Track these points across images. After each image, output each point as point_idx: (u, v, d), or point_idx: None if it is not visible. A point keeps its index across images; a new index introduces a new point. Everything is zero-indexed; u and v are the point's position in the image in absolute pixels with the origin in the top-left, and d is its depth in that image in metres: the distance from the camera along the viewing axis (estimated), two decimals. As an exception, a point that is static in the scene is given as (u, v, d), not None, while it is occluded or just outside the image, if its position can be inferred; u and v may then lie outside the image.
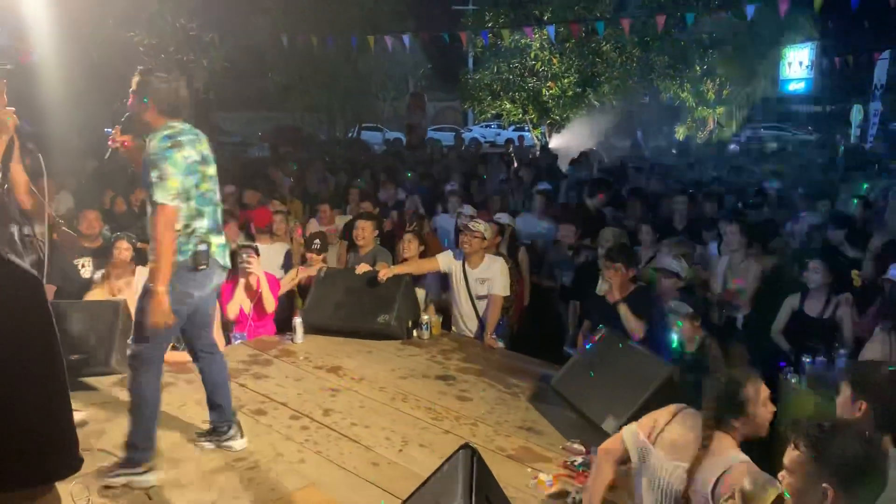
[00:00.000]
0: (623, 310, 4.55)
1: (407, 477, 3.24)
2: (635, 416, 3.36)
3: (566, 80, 18.36)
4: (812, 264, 4.85)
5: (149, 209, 3.24)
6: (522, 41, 17.86)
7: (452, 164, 12.81)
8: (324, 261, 5.92)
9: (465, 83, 20.51)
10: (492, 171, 11.75)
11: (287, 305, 5.79)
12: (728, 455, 2.47)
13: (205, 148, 3.40)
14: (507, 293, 5.36)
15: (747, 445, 2.58)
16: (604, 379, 3.88)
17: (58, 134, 9.30)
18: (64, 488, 3.15)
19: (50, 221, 3.55)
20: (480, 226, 5.28)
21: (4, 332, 2.84)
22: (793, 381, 4.29)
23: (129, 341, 3.33)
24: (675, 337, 4.28)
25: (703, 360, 4.19)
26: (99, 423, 3.76)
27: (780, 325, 5.01)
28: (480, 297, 5.32)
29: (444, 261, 5.45)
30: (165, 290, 3.15)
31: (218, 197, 3.48)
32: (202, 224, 3.31)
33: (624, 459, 2.79)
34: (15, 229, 3.20)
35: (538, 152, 16.69)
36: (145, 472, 3.21)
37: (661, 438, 2.65)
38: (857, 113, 21.00)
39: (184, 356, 3.99)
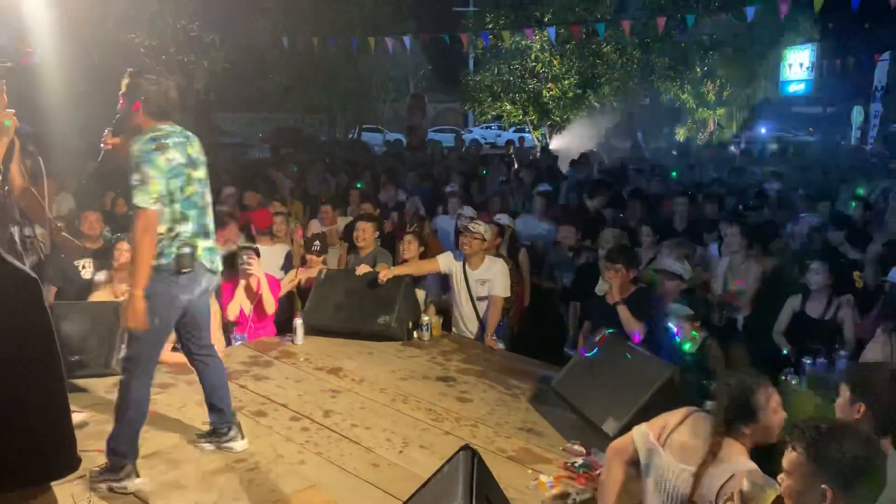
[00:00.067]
0: (623, 311, 4.55)
1: (407, 478, 3.23)
2: (635, 418, 3.37)
3: (567, 82, 18.36)
4: (813, 266, 4.85)
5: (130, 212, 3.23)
6: (523, 42, 17.85)
7: (453, 165, 12.81)
8: (324, 262, 5.92)
9: (465, 84, 20.49)
10: (492, 173, 11.76)
11: (287, 307, 5.78)
12: (736, 462, 2.45)
13: (195, 150, 3.38)
14: (508, 294, 5.36)
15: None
16: (604, 380, 3.88)
17: (58, 135, 9.32)
18: (65, 489, 3.16)
19: (50, 226, 3.55)
20: (480, 227, 5.28)
21: (4, 333, 2.85)
22: (793, 382, 4.28)
23: (122, 345, 3.32)
24: (678, 338, 4.27)
25: (704, 362, 4.20)
26: (99, 424, 3.76)
27: (781, 326, 5.01)
28: (481, 299, 5.32)
29: (445, 262, 5.45)
30: (142, 293, 3.14)
31: (207, 200, 3.45)
32: (187, 227, 3.28)
33: (634, 459, 2.78)
34: (15, 230, 3.20)
35: (538, 153, 16.69)
36: (123, 479, 3.19)
37: (670, 440, 2.65)
38: (857, 114, 21.01)
39: (184, 357, 3.99)
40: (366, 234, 5.92)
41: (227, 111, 24.62)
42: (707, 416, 2.64)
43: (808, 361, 4.36)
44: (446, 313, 5.59)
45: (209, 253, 3.42)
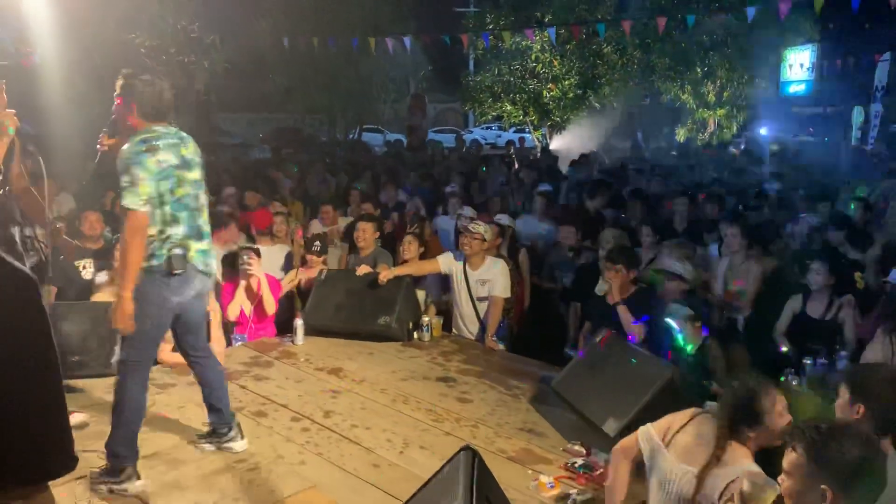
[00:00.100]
0: (622, 311, 4.55)
1: (408, 479, 3.23)
2: (636, 418, 3.37)
3: (567, 82, 18.38)
4: (814, 266, 4.85)
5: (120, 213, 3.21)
6: (523, 43, 17.87)
7: (453, 165, 12.82)
8: (324, 262, 5.93)
9: (465, 85, 20.52)
10: (492, 173, 11.77)
11: (288, 307, 5.79)
12: (740, 465, 2.45)
13: (189, 152, 3.35)
14: (508, 295, 5.36)
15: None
16: (605, 381, 3.88)
17: (59, 135, 9.32)
18: (67, 489, 3.17)
19: (50, 227, 3.55)
20: (480, 227, 5.28)
21: (5, 334, 2.85)
22: (793, 382, 4.28)
23: (116, 347, 3.31)
24: (681, 334, 4.27)
25: (704, 362, 4.19)
26: (99, 424, 3.75)
27: (782, 326, 5.01)
28: (481, 299, 5.32)
29: (445, 262, 5.46)
30: (130, 295, 3.13)
31: (201, 202, 3.41)
32: (178, 229, 3.25)
33: (639, 459, 2.78)
34: (16, 231, 3.20)
35: (539, 154, 16.70)
36: (124, 481, 3.18)
37: (674, 441, 2.65)
38: (857, 115, 20.98)
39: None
40: (366, 234, 5.92)
41: (227, 112, 24.65)
42: (713, 419, 2.63)
43: (809, 362, 4.37)
44: (447, 314, 5.59)
45: (202, 255, 3.38)
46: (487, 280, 5.27)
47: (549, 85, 18.44)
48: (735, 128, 21.90)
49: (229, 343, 5.14)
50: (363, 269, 5.43)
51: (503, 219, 6.34)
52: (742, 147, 19.47)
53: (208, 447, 3.58)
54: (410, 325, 5.32)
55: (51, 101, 9.80)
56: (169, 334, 3.59)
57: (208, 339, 4.94)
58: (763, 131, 22.99)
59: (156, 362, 4.43)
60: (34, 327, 2.91)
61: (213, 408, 3.61)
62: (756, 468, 2.44)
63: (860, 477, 1.97)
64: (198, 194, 3.38)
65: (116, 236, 5.47)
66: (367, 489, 3.26)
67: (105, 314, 4.41)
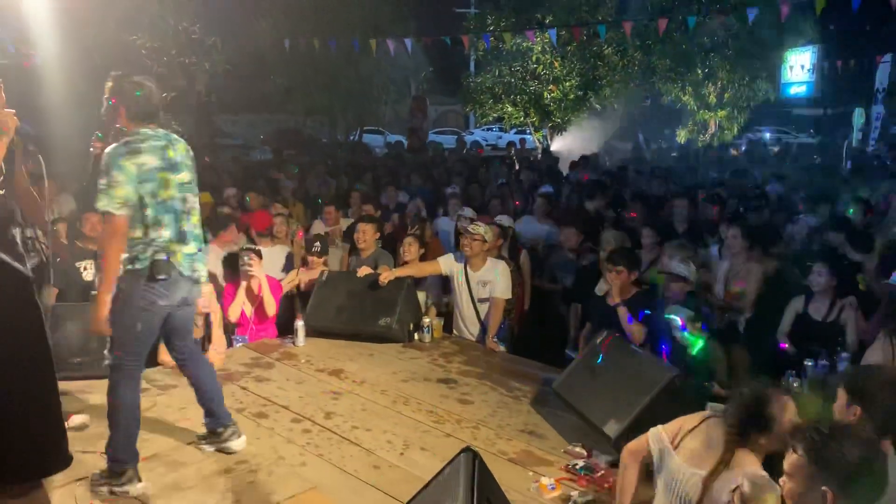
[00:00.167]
0: (622, 313, 4.55)
1: (408, 480, 3.23)
2: (637, 420, 3.37)
3: (568, 84, 18.38)
4: (816, 267, 4.84)
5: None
6: (524, 44, 17.88)
7: (454, 166, 12.83)
8: (325, 263, 5.93)
9: (466, 86, 20.51)
10: (493, 174, 11.77)
11: (288, 308, 5.79)
12: (747, 470, 2.43)
13: (178, 154, 3.32)
14: (509, 296, 5.36)
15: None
16: (606, 382, 3.87)
17: (59, 136, 9.31)
18: (68, 490, 3.17)
19: (49, 228, 3.54)
20: (480, 228, 5.28)
21: (4, 334, 2.85)
22: (795, 384, 4.27)
23: (105, 352, 3.30)
24: (685, 332, 4.26)
25: (705, 364, 4.18)
26: (100, 426, 3.75)
27: (785, 327, 5.00)
28: (482, 300, 5.32)
29: (446, 263, 5.45)
30: (107, 298, 3.12)
31: (190, 204, 3.36)
32: (162, 233, 3.21)
33: (649, 460, 2.78)
34: (17, 231, 3.20)
35: (539, 155, 16.71)
36: (125, 483, 3.18)
37: (683, 444, 2.64)
38: (858, 116, 20.98)
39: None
40: (367, 235, 5.92)
41: (228, 113, 24.64)
42: (723, 423, 2.61)
43: (810, 363, 4.36)
44: (447, 315, 5.59)
45: (189, 259, 3.33)
46: (488, 281, 5.27)
47: (550, 86, 18.45)
48: (736, 129, 21.90)
49: (230, 344, 5.15)
50: (364, 271, 5.43)
51: (504, 220, 6.33)
52: (743, 148, 19.48)
53: (208, 448, 3.58)
54: (411, 326, 5.32)
55: (51, 101, 9.81)
56: None
57: (208, 340, 4.98)
58: (766, 134, 23.01)
59: (157, 363, 4.45)
60: (32, 327, 2.91)
61: (207, 409, 3.61)
62: (762, 473, 2.43)
63: (861, 478, 1.97)
64: (185, 197, 3.34)
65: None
66: (367, 490, 3.25)
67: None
